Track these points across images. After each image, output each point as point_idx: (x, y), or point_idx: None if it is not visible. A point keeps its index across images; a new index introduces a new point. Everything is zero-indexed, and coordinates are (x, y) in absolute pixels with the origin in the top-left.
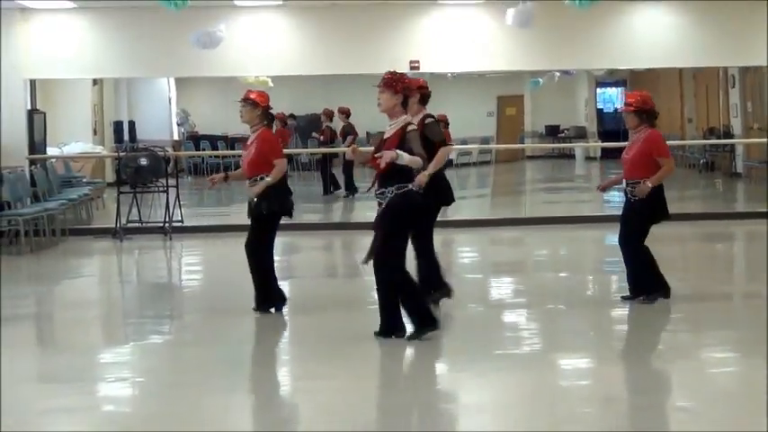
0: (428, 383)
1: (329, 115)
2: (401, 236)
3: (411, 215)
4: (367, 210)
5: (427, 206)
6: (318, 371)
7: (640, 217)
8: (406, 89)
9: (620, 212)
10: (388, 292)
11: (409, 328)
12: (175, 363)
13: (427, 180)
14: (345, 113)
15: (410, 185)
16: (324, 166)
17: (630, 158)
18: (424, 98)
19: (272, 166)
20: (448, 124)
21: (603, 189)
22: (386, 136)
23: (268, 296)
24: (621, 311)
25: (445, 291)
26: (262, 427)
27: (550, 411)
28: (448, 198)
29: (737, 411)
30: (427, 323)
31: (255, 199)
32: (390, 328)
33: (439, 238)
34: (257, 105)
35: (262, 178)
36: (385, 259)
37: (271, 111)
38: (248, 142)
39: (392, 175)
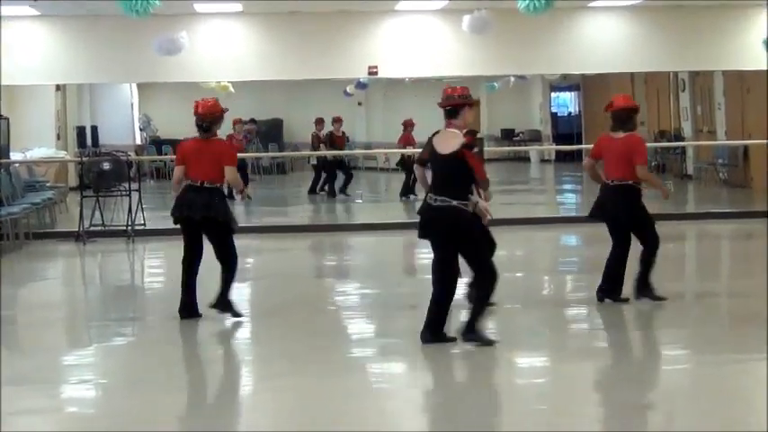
0: (388, 384)
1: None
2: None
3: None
4: (332, 212)
5: None
6: (281, 371)
7: None
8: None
9: (572, 214)
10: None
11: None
12: (138, 364)
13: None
14: (339, 122)
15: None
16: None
17: None
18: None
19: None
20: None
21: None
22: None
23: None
24: (578, 311)
25: None
26: (225, 427)
27: (508, 410)
28: None
29: (693, 407)
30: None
31: None
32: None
33: (397, 239)
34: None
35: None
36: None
37: (197, 118)
38: None
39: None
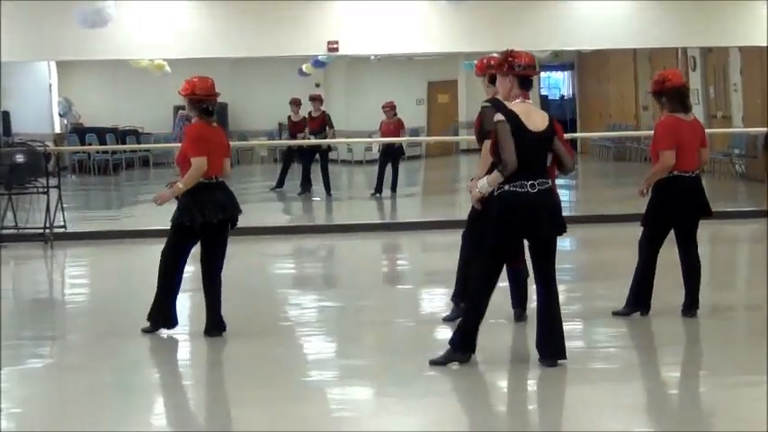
0: (353, 410)
1: (297, 104)
2: None
3: None
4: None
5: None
6: (225, 399)
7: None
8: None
9: (565, 213)
10: None
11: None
12: (59, 390)
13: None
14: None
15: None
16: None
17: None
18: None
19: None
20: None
21: None
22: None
23: (159, 313)
24: (573, 325)
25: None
26: None
27: None
28: None
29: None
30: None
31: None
32: None
33: (365, 243)
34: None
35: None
36: None
37: (201, 100)
38: None
39: None
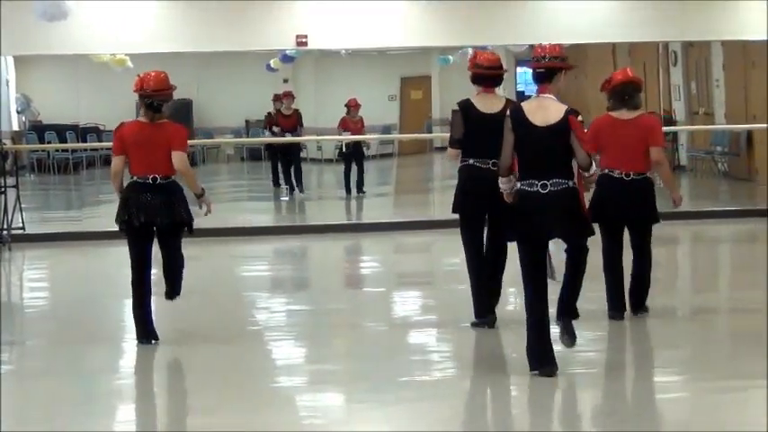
0: (323, 417)
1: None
2: None
3: None
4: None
5: None
6: (191, 407)
7: None
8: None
9: None
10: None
11: None
12: (18, 398)
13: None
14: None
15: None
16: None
17: None
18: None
19: None
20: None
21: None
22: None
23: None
24: (552, 328)
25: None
26: None
27: None
28: None
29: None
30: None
31: None
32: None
33: (336, 244)
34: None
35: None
36: None
37: (151, 97)
38: None
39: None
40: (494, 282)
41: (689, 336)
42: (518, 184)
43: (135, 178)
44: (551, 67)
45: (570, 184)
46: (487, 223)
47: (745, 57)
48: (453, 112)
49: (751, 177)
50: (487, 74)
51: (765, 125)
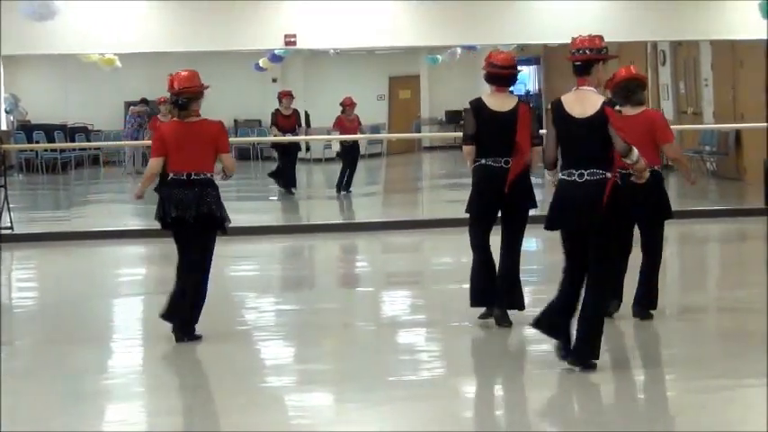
0: (312, 417)
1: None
2: None
3: None
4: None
5: None
6: (179, 406)
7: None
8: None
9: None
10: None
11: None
12: (6, 398)
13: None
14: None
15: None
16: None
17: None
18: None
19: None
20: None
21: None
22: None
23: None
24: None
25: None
26: None
27: None
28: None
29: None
30: None
31: None
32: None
33: (325, 244)
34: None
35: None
36: None
37: (178, 95)
38: None
39: None
40: (507, 281)
41: (677, 335)
42: (559, 174)
43: (171, 175)
44: (588, 59)
45: (608, 175)
46: (501, 222)
47: (734, 56)
48: (465, 110)
49: (739, 176)
50: (502, 73)
51: (753, 125)
